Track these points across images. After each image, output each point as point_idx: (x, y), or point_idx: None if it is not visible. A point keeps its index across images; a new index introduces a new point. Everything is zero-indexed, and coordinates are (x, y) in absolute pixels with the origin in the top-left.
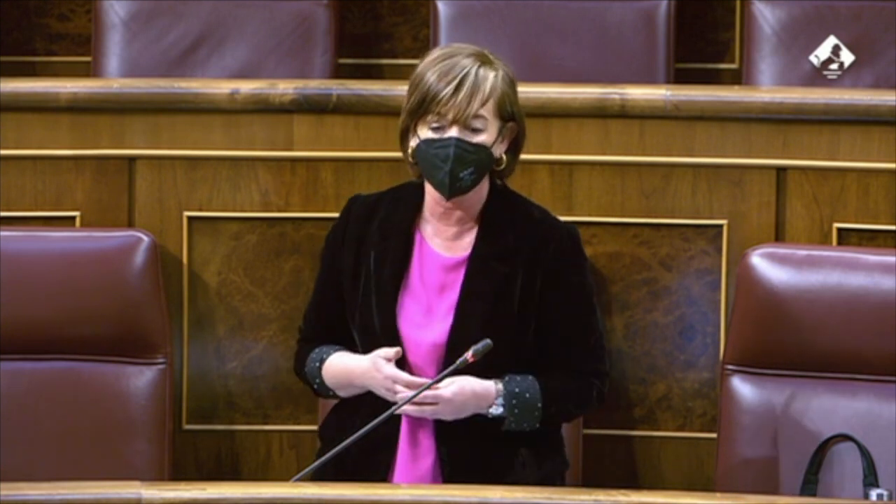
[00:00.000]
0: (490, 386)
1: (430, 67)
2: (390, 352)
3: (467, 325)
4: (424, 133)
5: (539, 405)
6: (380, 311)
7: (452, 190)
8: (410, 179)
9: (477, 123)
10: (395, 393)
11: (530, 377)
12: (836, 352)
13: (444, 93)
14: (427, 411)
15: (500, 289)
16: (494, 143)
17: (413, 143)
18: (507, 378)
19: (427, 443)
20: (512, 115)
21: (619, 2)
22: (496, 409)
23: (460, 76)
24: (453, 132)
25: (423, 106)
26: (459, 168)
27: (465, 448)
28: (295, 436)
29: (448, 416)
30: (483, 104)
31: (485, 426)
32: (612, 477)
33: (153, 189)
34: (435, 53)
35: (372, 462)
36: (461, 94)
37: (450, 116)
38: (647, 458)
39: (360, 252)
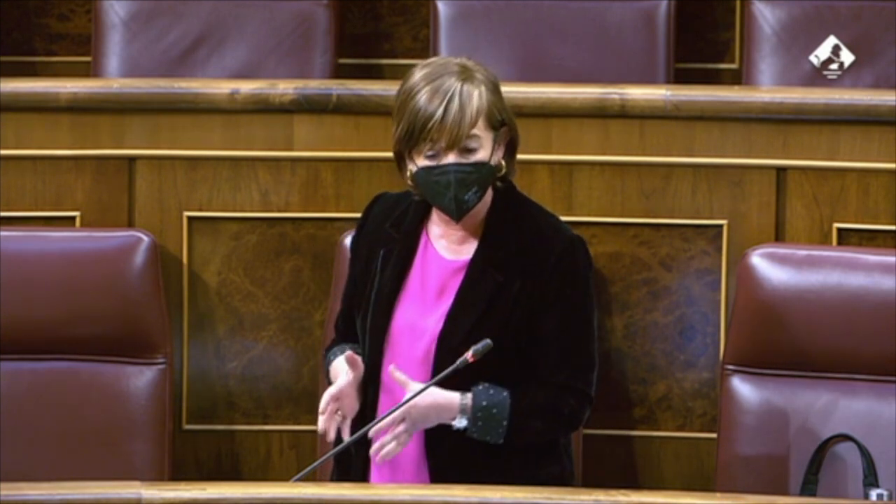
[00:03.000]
0: (454, 399)
1: (414, 92)
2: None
3: (456, 330)
4: (421, 161)
5: (504, 423)
6: (375, 311)
7: (460, 213)
8: None
9: (471, 143)
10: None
11: (505, 392)
12: (836, 352)
13: (432, 121)
14: (399, 431)
15: (494, 296)
16: (491, 154)
17: (411, 168)
18: (479, 388)
19: (417, 451)
20: (502, 121)
21: (619, 2)
22: (459, 422)
23: (446, 100)
24: (450, 158)
25: (414, 136)
26: (463, 192)
27: (455, 457)
28: (295, 436)
29: (412, 428)
30: (473, 124)
31: (475, 443)
32: (612, 477)
33: (153, 189)
34: (416, 75)
35: (355, 465)
36: (450, 119)
37: (443, 143)
38: (647, 458)
39: (373, 251)
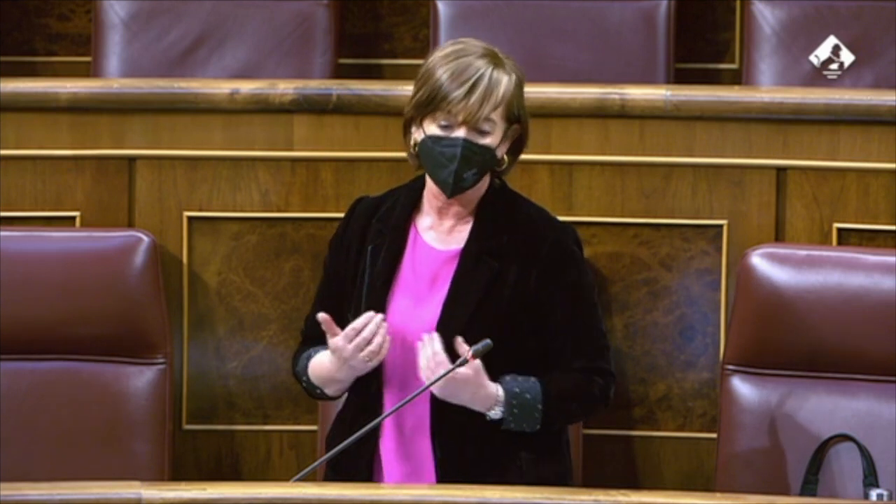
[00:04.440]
0: (493, 390)
1: (441, 64)
2: (339, 334)
3: (455, 318)
4: (431, 129)
5: (539, 407)
6: (368, 304)
7: (455, 190)
8: (414, 177)
9: (486, 126)
10: (365, 345)
11: (532, 378)
12: (836, 352)
13: (455, 94)
14: (430, 366)
15: (490, 284)
16: (499, 144)
17: (417, 136)
18: (507, 378)
19: (423, 445)
20: (518, 117)
21: (619, 2)
22: (495, 413)
23: (474, 78)
24: (461, 133)
25: (434, 104)
26: (464, 169)
27: (462, 450)
28: (295, 436)
29: (442, 394)
30: (495, 108)
31: (482, 429)
32: (612, 477)
33: (153, 189)
34: (446, 49)
35: (358, 463)
36: (474, 97)
37: (460, 118)
38: (647, 458)
39: (360, 251)
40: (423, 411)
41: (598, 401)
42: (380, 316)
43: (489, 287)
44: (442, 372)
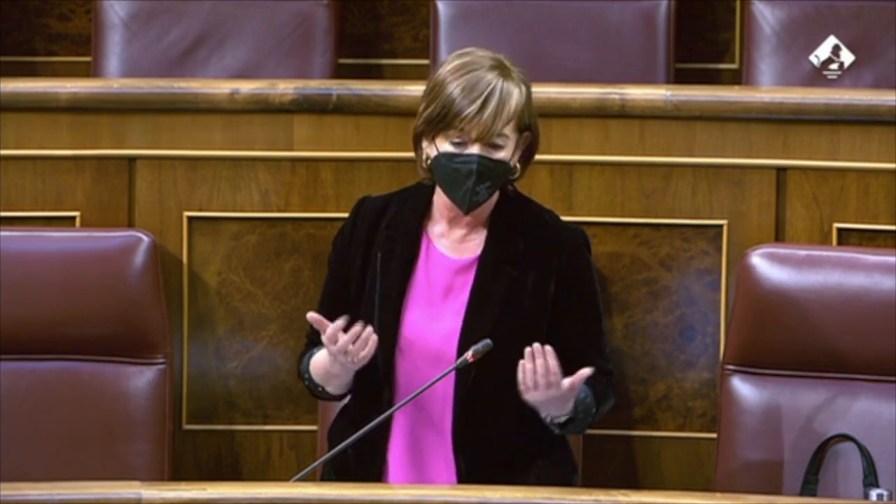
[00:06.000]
0: (571, 402)
1: (452, 79)
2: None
3: (477, 327)
4: (444, 146)
5: (594, 410)
6: (382, 313)
7: (471, 206)
8: (419, 181)
9: (499, 140)
10: (338, 343)
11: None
12: (836, 352)
13: (468, 110)
14: (540, 384)
15: (509, 292)
16: (512, 156)
17: (430, 151)
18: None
19: (446, 456)
20: (528, 125)
21: (619, 2)
22: (564, 417)
23: (486, 94)
24: (475, 149)
25: (446, 120)
26: (479, 184)
27: (483, 462)
28: (295, 436)
29: (541, 398)
30: (507, 122)
31: (502, 439)
32: (612, 477)
33: (153, 189)
34: (454, 63)
35: (369, 468)
36: (486, 113)
37: (473, 134)
38: (647, 458)
39: (367, 254)
40: (444, 429)
41: (613, 399)
42: (358, 326)
43: (508, 295)
44: (442, 374)
